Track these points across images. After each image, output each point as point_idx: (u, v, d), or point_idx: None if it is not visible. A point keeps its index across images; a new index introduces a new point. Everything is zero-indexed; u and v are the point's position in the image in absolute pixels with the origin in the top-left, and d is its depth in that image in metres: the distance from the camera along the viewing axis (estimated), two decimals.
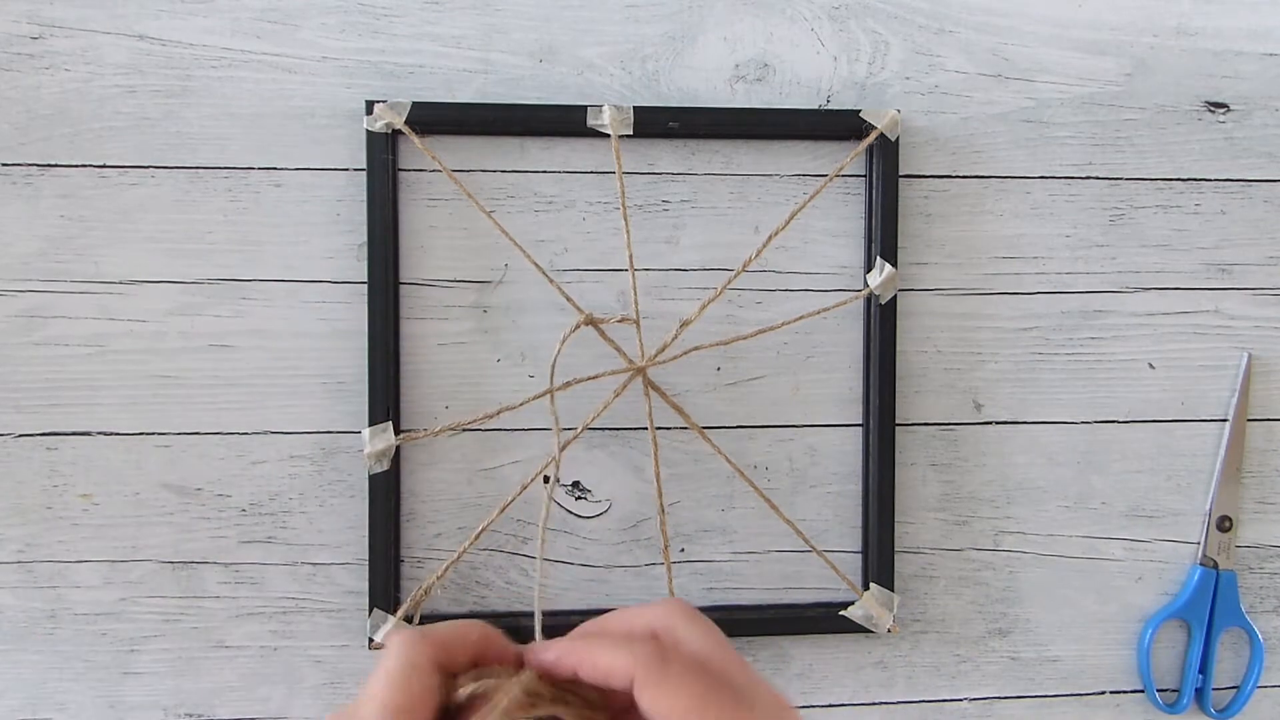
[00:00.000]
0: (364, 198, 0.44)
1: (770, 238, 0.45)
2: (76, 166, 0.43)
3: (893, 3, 0.47)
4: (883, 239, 0.45)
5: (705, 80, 0.46)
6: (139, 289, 0.44)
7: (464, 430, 0.45)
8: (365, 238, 0.44)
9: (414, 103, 0.43)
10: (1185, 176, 0.48)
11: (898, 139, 0.46)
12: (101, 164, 0.43)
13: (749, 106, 0.46)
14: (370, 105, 0.43)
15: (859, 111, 0.45)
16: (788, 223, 0.45)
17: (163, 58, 0.44)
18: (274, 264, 0.44)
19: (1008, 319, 0.48)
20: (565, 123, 0.44)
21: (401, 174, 0.44)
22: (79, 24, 0.43)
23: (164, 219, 0.44)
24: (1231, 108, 0.48)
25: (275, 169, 0.44)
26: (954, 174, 0.47)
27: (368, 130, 0.43)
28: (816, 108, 0.46)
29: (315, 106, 0.44)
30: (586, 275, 0.45)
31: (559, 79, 0.45)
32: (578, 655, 0.31)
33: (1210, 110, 0.48)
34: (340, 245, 0.44)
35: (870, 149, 0.46)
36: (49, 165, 0.43)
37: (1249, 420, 0.49)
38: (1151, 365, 0.48)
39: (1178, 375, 0.48)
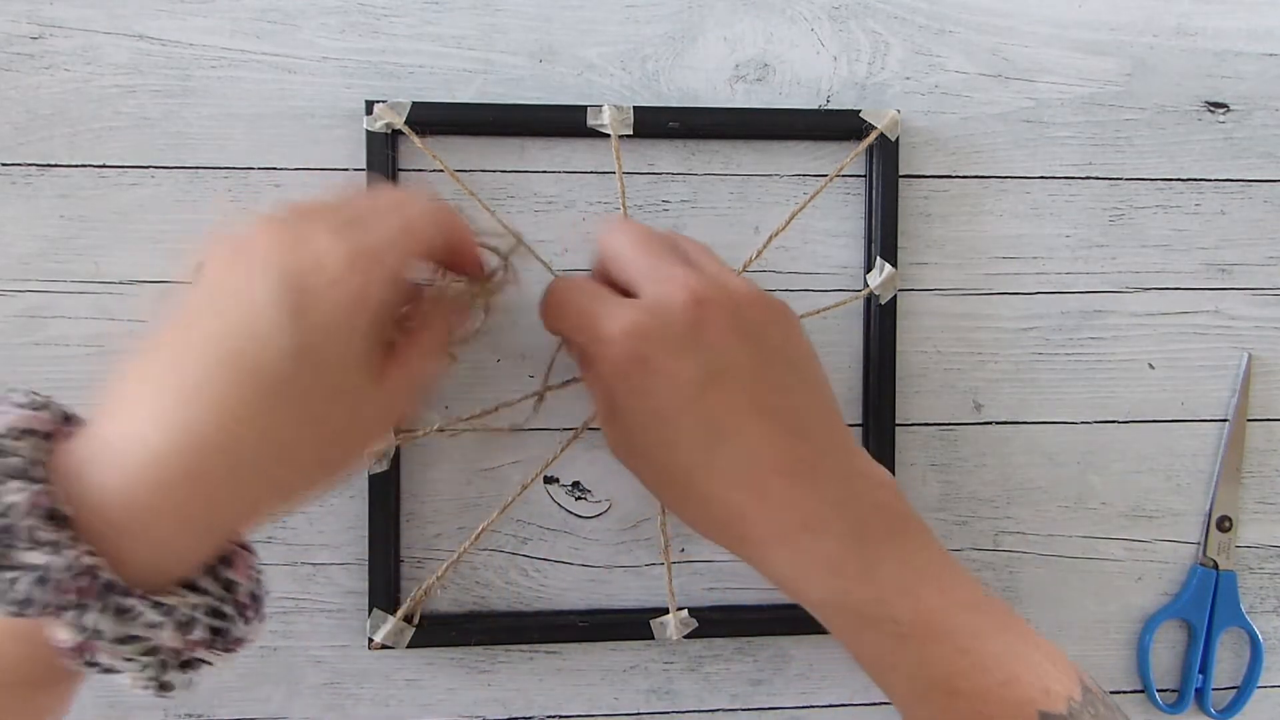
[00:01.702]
0: None
1: (770, 238, 0.45)
2: (76, 166, 0.43)
3: (893, 3, 0.46)
4: (883, 239, 0.45)
5: (705, 80, 0.46)
6: (139, 289, 0.44)
7: (464, 430, 0.45)
8: None
9: (414, 103, 0.43)
10: (1185, 176, 0.48)
11: (898, 139, 0.45)
12: (101, 164, 0.43)
13: (749, 107, 0.46)
14: (370, 105, 0.43)
15: (859, 111, 0.45)
16: (787, 223, 0.45)
17: (163, 58, 0.44)
18: None
19: (1008, 319, 0.48)
20: (565, 123, 0.44)
21: (401, 174, 0.44)
22: (79, 24, 0.43)
23: (164, 219, 0.44)
24: (1231, 108, 0.48)
25: (275, 169, 0.44)
26: (954, 174, 0.47)
27: (367, 130, 0.43)
28: (816, 108, 0.46)
29: (315, 106, 0.44)
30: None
31: (559, 79, 0.45)
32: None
33: (1210, 110, 0.48)
34: None
35: (870, 149, 0.46)
36: (49, 165, 0.43)
37: (1249, 420, 0.49)
38: (1151, 365, 0.48)
39: (1178, 375, 0.48)
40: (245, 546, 0.31)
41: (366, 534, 0.44)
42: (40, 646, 0.26)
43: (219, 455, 0.27)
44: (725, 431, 0.33)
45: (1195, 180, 0.48)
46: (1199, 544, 0.49)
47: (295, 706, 0.45)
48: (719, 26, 0.46)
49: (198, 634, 0.28)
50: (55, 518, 0.25)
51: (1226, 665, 0.50)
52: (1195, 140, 0.48)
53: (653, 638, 0.45)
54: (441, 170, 0.44)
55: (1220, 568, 0.48)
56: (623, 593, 0.46)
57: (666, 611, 0.45)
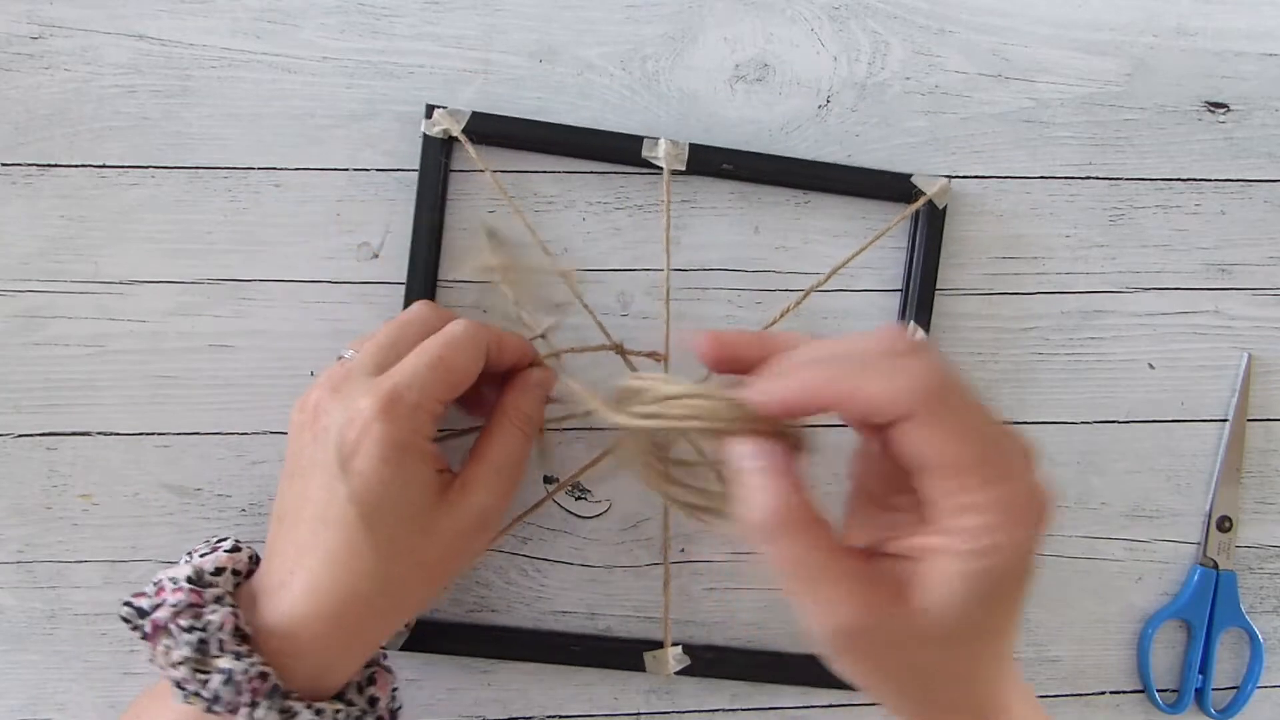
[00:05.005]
0: (365, 198, 0.44)
1: (809, 292, 0.46)
2: (76, 166, 0.43)
3: (893, 3, 0.46)
4: (919, 303, 0.45)
5: (705, 80, 0.46)
6: (139, 289, 0.44)
7: (466, 431, 0.45)
8: (364, 238, 0.44)
9: (473, 113, 0.43)
10: (1185, 176, 0.48)
11: (945, 207, 0.46)
12: (101, 164, 0.43)
13: (806, 159, 0.45)
14: (430, 109, 0.43)
15: (910, 176, 0.45)
16: (828, 278, 0.45)
17: (163, 58, 0.44)
18: (274, 264, 0.44)
19: (1008, 319, 0.48)
20: (618, 150, 0.44)
21: (403, 174, 0.44)
22: (79, 24, 0.43)
23: (164, 219, 0.44)
24: (1231, 108, 0.48)
25: (275, 169, 0.44)
26: (954, 174, 0.47)
27: (424, 134, 0.43)
28: (873, 169, 0.46)
29: (315, 106, 0.44)
30: (586, 276, 0.45)
31: (559, 79, 0.45)
32: (830, 387, 0.27)
33: (1210, 110, 0.48)
34: (340, 245, 0.44)
35: (916, 213, 0.46)
36: (49, 165, 0.43)
37: (1249, 420, 0.49)
38: (1151, 365, 0.48)
39: (1178, 375, 0.48)
40: (387, 668, 0.38)
41: None
42: None
43: (338, 592, 0.33)
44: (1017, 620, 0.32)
45: (1195, 180, 0.48)
46: (1199, 544, 0.49)
47: None
48: (719, 26, 0.46)
49: None
50: (240, 634, 0.33)
51: (1226, 665, 0.50)
52: (1195, 140, 0.48)
53: (644, 669, 0.45)
54: (483, 170, 0.44)
55: (1220, 568, 0.48)
56: (623, 593, 0.46)
57: (661, 644, 0.45)
